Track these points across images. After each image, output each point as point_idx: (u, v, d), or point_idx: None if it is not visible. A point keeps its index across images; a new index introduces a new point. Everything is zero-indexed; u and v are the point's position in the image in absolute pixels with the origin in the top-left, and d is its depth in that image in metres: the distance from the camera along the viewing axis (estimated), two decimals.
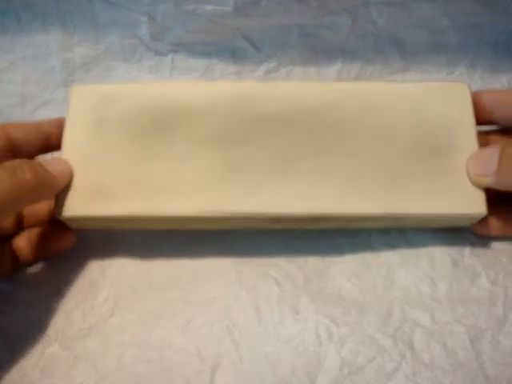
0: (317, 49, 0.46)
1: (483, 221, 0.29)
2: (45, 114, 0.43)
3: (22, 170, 0.25)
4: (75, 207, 0.28)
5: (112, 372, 0.28)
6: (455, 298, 0.30)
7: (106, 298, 0.31)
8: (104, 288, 0.31)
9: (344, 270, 0.31)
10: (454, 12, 0.45)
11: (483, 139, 0.31)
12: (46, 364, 0.29)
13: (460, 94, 0.31)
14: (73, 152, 0.29)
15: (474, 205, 0.28)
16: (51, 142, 0.30)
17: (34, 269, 0.32)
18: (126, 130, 0.30)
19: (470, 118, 0.30)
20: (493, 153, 0.27)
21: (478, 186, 0.28)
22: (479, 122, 0.31)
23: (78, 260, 0.32)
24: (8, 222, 0.30)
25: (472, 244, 0.31)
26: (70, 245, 0.31)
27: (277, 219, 0.29)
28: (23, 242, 0.30)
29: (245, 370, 0.28)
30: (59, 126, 0.30)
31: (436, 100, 0.31)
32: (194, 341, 0.29)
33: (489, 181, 0.27)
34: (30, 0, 0.41)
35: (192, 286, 0.32)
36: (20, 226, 0.31)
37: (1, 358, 0.29)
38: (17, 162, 0.26)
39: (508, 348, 0.28)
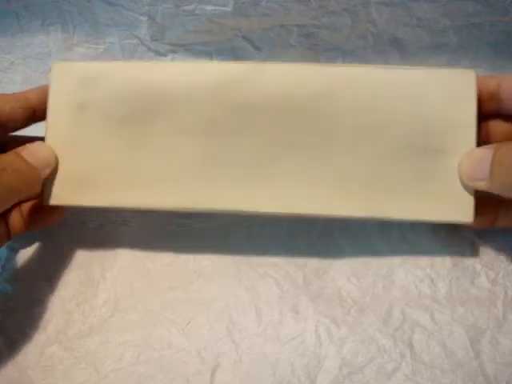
0: (317, 49, 0.46)
1: (483, 213, 0.28)
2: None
3: (5, 172, 0.25)
4: (61, 197, 0.28)
5: (112, 372, 0.28)
6: (455, 298, 0.30)
7: (106, 298, 0.31)
8: (104, 288, 0.31)
9: (344, 270, 0.31)
10: (453, 12, 0.45)
11: (483, 129, 0.29)
12: (46, 364, 0.29)
13: (464, 82, 0.28)
14: (56, 138, 0.29)
15: (462, 212, 0.27)
16: (37, 113, 0.30)
17: (35, 269, 0.32)
18: (109, 115, 0.29)
19: (471, 112, 0.28)
20: (486, 154, 0.26)
21: (471, 190, 0.27)
22: (486, 111, 0.29)
23: (78, 260, 0.32)
24: None
25: (472, 244, 0.31)
26: (60, 218, 0.31)
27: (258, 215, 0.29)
28: (16, 217, 0.30)
29: (245, 371, 0.28)
30: (44, 96, 0.30)
31: (437, 88, 0.28)
32: (194, 341, 0.29)
33: (482, 185, 0.26)
34: (30, 0, 0.41)
35: (192, 287, 0.32)
36: None
37: (1, 358, 0.29)
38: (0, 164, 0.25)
39: (507, 348, 0.28)
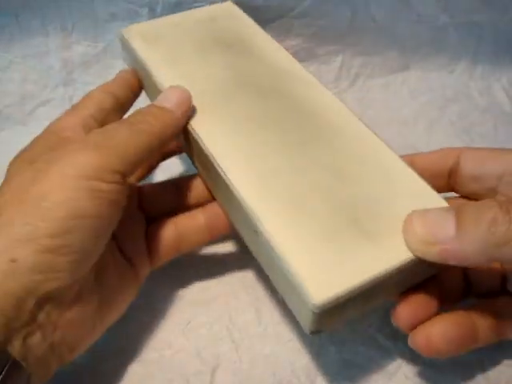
0: (316, 42, 0.45)
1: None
2: (45, 113, 0.43)
3: (137, 120, 0.25)
4: None
5: (112, 372, 0.28)
6: None
7: None
8: None
9: None
10: (453, 8, 0.45)
11: None
12: None
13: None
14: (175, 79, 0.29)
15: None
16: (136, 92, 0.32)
17: None
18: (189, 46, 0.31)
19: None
20: (446, 213, 0.20)
21: (421, 255, 0.21)
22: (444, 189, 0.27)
23: None
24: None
25: None
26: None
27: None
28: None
29: (244, 371, 0.28)
30: (136, 75, 0.32)
31: None
32: (193, 341, 0.29)
33: (440, 250, 0.20)
34: None
35: (192, 286, 0.32)
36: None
37: None
38: (133, 115, 0.26)
39: (508, 348, 0.28)
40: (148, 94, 0.32)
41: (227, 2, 0.36)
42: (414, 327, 0.23)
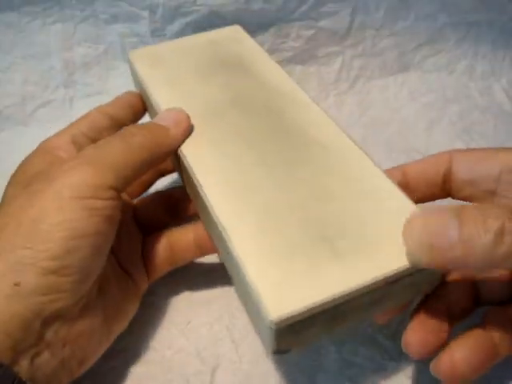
0: (315, 44, 0.46)
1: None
2: (45, 114, 0.43)
3: (130, 133, 0.25)
4: None
5: (112, 372, 0.28)
6: None
7: None
8: None
9: None
10: (452, 9, 0.45)
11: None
12: None
13: None
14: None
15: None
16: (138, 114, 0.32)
17: None
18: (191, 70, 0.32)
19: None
20: (449, 218, 0.19)
21: (422, 260, 0.20)
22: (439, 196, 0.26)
23: None
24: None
25: None
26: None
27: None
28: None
29: (244, 371, 0.28)
30: (139, 97, 0.32)
31: None
32: (193, 341, 0.29)
33: (440, 256, 0.19)
34: (30, 0, 0.41)
35: (192, 286, 0.32)
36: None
37: None
38: (126, 128, 0.26)
39: None
40: (151, 116, 0.33)
41: (235, 26, 0.36)
42: (428, 353, 0.23)
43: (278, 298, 0.19)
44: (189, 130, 0.27)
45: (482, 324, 0.23)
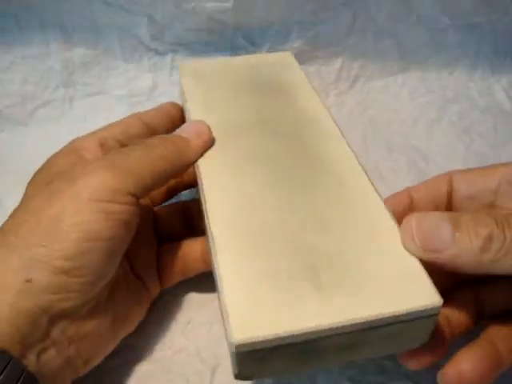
0: (317, 48, 0.46)
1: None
2: (45, 114, 0.43)
3: (153, 144, 0.26)
4: None
5: (112, 372, 0.28)
6: None
7: None
8: None
9: None
10: (453, 10, 0.45)
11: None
12: None
13: None
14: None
15: (424, 295, 0.20)
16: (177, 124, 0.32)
17: None
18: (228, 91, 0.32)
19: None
20: (443, 222, 0.21)
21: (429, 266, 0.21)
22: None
23: None
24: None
25: None
26: None
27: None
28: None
29: None
30: (179, 108, 0.32)
31: None
32: (194, 341, 0.29)
33: (435, 257, 0.20)
34: (29, 0, 0.41)
35: (192, 286, 0.32)
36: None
37: None
38: (149, 139, 0.27)
39: None
40: None
41: (287, 52, 0.37)
42: (421, 366, 0.23)
43: (246, 321, 0.19)
44: (210, 143, 0.27)
45: (485, 334, 0.24)
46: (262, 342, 0.18)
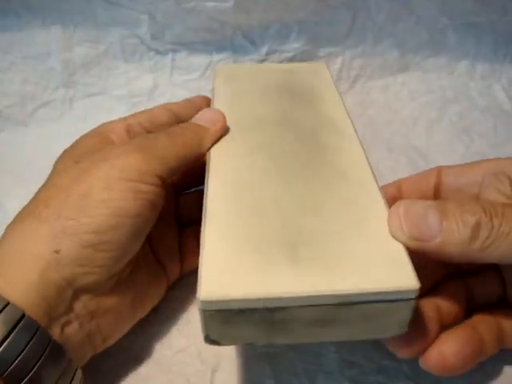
0: (317, 48, 0.46)
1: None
2: (45, 114, 0.43)
3: (174, 132, 0.27)
4: None
5: (112, 372, 0.28)
6: None
7: None
8: None
9: None
10: (452, 10, 0.45)
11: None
12: None
13: None
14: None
15: (401, 276, 0.19)
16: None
17: None
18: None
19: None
20: (430, 210, 0.21)
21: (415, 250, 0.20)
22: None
23: None
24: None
25: None
26: None
27: None
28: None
29: (244, 371, 0.28)
30: (207, 101, 0.33)
31: None
32: (194, 341, 0.29)
33: (422, 245, 0.20)
34: (30, 0, 0.41)
35: (192, 286, 0.31)
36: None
37: None
38: (171, 128, 0.28)
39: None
40: None
41: (321, 62, 0.38)
42: (412, 354, 0.23)
43: (216, 281, 0.19)
44: (224, 130, 0.28)
45: (469, 321, 0.24)
46: (227, 301, 0.19)
